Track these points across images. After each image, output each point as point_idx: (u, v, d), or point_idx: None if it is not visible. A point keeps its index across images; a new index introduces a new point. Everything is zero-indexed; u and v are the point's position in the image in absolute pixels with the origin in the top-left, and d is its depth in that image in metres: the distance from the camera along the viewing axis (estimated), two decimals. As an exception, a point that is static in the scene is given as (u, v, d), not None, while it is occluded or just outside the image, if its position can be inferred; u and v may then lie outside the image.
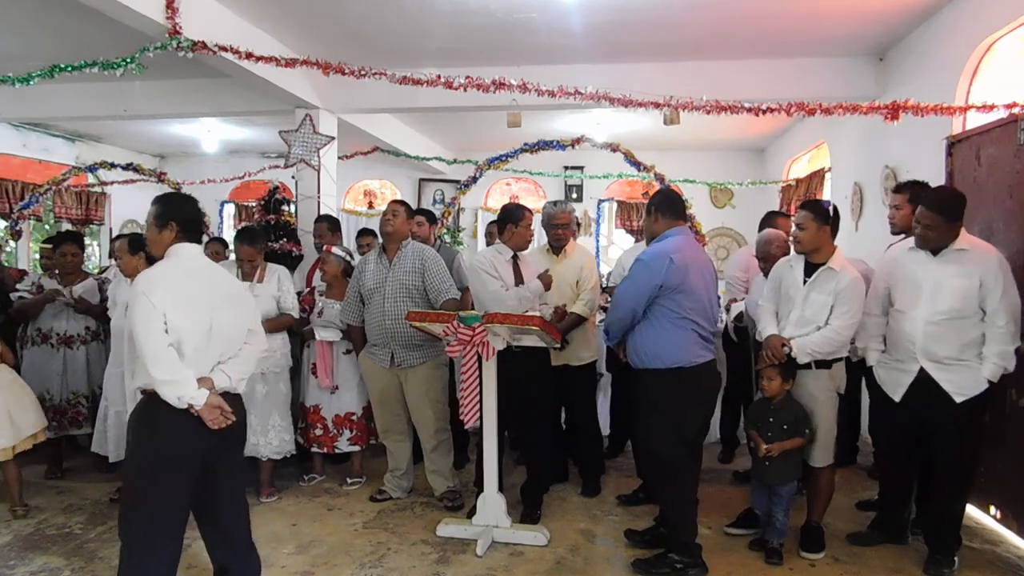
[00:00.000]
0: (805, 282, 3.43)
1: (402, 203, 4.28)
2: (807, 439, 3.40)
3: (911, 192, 3.77)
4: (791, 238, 3.59)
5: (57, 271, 4.86)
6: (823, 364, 3.42)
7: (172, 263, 2.62)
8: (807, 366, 3.41)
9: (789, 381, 3.42)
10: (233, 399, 2.64)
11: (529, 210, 4.19)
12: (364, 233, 5.58)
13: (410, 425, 4.28)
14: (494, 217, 4.69)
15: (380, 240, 4.31)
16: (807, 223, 3.36)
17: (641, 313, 3.31)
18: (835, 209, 3.47)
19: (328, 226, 5.24)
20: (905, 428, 3.42)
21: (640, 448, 3.65)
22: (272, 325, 4.14)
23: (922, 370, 3.29)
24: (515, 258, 4.10)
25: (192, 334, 2.52)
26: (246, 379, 2.73)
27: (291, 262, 5.61)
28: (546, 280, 4.06)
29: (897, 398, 3.40)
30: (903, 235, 3.83)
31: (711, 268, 3.48)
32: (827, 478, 3.54)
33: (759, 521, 3.64)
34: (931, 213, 3.23)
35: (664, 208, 3.44)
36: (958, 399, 3.20)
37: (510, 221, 4.07)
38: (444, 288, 4.07)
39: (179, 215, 2.68)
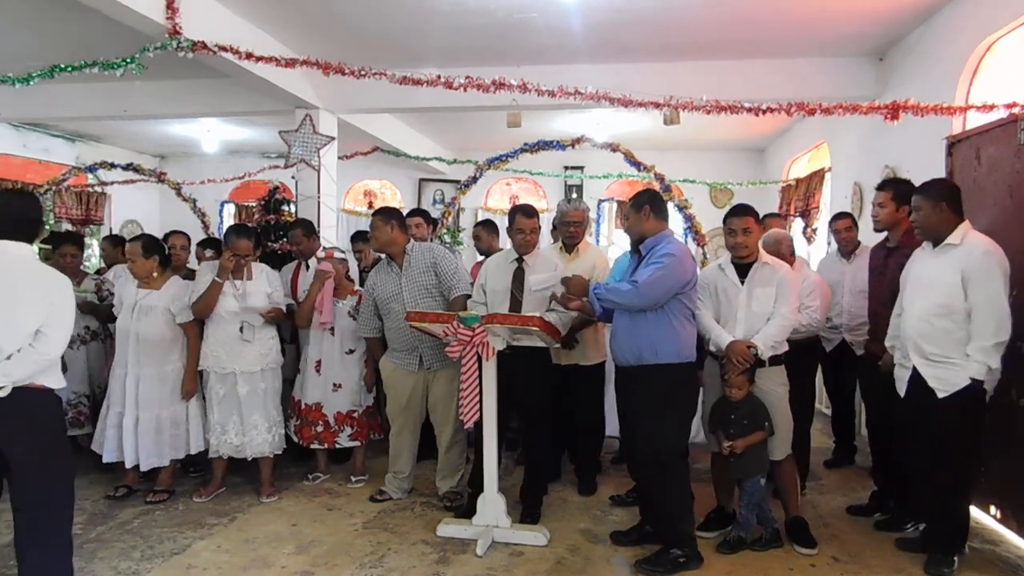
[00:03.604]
0: (742, 282, 3.57)
1: (379, 213, 4.12)
2: (768, 431, 3.50)
3: (894, 190, 3.78)
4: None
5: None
6: (776, 360, 3.56)
7: None
8: (760, 363, 3.51)
9: (752, 381, 3.53)
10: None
11: (522, 213, 3.95)
12: (357, 238, 5.54)
13: (420, 427, 4.29)
14: (488, 218, 4.60)
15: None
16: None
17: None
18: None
19: (303, 232, 5.07)
20: (905, 424, 3.45)
21: (645, 448, 3.39)
22: (270, 315, 4.22)
23: (915, 366, 3.32)
24: (520, 261, 3.97)
25: None
26: (20, 381, 2.60)
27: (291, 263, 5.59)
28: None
29: (901, 393, 3.45)
30: (886, 233, 3.86)
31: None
32: (790, 468, 3.67)
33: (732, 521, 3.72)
34: (917, 195, 3.35)
35: (658, 209, 3.44)
36: (940, 395, 3.21)
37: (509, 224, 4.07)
38: (455, 284, 4.05)
39: None
